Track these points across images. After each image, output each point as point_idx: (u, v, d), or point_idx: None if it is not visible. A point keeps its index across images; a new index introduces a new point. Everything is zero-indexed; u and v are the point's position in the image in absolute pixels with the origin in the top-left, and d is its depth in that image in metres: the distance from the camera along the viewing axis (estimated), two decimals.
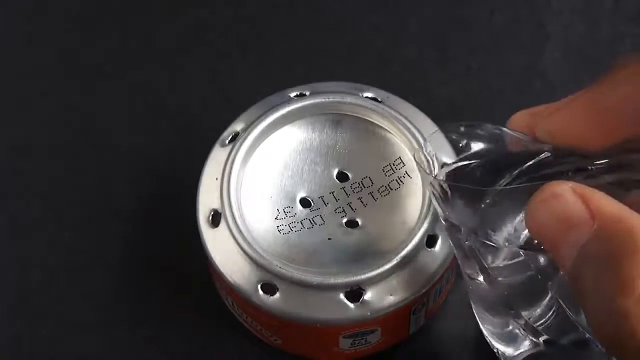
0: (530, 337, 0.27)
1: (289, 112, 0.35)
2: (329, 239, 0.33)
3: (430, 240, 0.32)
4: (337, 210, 0.33)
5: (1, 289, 0.37)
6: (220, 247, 0.32)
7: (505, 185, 0.27)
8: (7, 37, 0.45)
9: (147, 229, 0.39)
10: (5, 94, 0.43)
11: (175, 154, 0.40)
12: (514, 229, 0.27)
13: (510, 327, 0.28)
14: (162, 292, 0.37)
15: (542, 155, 0.27)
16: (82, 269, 0.38)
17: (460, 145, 0.29)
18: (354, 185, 0.34)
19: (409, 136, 0.34)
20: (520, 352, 0.29)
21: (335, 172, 0.34)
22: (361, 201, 0.34)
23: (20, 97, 0.43)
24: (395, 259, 0.31)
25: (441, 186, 0.28)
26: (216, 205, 0.33)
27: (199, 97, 0.42)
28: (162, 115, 0.42)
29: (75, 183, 0.40)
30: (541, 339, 0.27)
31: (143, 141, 0.41)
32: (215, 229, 0.33)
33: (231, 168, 0.33)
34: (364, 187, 0.34)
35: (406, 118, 0.34)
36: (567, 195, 0.22)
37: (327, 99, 0.35)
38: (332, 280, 0.31)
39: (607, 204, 0.22)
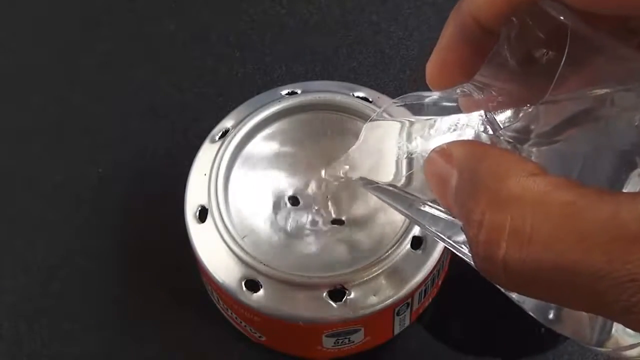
0: None
1: (279, 110, 0.35)
2: (315, 237, 0.33)
3: (416, 242, 0.32)
4: (324, 208, 0.33)
5: (1, 289, 0.37)
6: (206, 243, 0.33)
7: None
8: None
9: (147, 229, 0.39)
10: (5, 93, 0.43)
11: (175, 154, 0.41)
12: None
13: None
14: (161, 291, 0.37)
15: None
16: (82, 269, 0.38)
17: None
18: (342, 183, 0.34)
19: None
20: None
21: (324, 170, 0.34)
22: (349, 200, 0.34)
23: (20, 96, 0.43)
24: (379, 260, 0.31)
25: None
26: (203, 201, 0.33)
27: (199, 97, 0.43)
28: (162, 115, 0.42)
29: (75, 183, 0.40)
30: None
31: (143, 141, 0.41)
32: (202, 224, 0.33)
33: (219, 164, 0.33)
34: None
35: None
36: (434, 158, 0.24)
37: (317, 98, 0.35)
38: (316, 279, 0.31)
39: (461, 150, 0.23)
